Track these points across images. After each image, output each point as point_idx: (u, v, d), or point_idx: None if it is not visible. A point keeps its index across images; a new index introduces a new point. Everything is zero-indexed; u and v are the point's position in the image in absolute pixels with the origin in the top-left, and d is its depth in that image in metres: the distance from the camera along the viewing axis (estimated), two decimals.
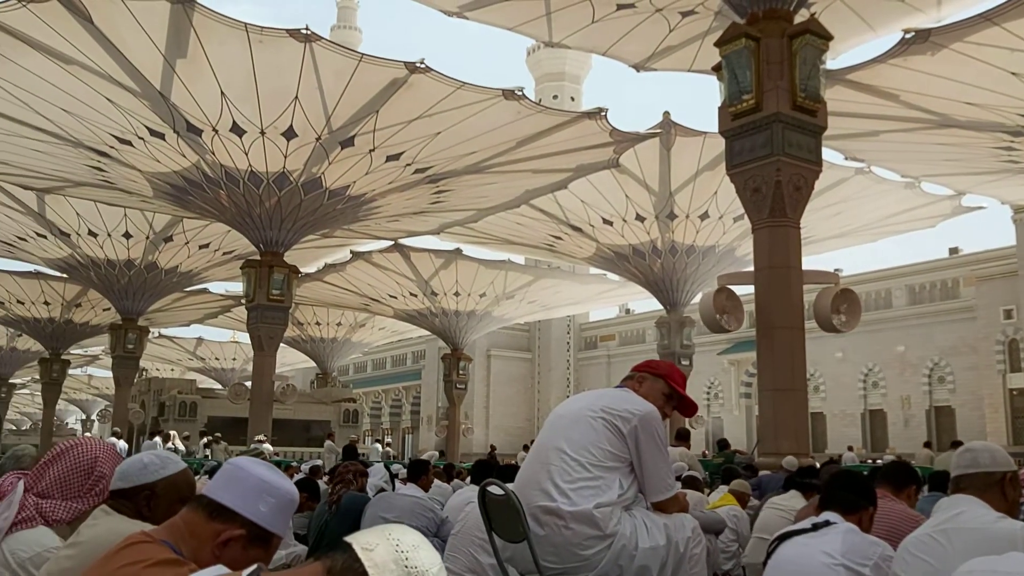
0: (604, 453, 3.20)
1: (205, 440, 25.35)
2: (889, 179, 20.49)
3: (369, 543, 1.31)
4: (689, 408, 3.58)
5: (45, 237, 24.84)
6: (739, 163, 10.77)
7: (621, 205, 22.16)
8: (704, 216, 22.25)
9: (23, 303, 32.48)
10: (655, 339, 26.24)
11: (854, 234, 24.83)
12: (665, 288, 24.63)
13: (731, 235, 22.88)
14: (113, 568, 1.74)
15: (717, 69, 11.17)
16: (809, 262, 12.96)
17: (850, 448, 29.27)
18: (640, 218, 22.57)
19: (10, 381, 44.48)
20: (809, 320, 11.13)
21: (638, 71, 16.78)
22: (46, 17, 13.36)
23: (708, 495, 8.05)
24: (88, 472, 2.67)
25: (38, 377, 39.00)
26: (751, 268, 11.22)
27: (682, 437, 12.85)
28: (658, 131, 18.85)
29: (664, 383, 3.53)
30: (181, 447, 23.33)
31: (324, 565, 1.31)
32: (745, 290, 12.57)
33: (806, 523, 3.13)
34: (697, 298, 24.70)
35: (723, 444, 15.75)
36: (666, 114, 18.99)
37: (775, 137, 10.30)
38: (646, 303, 38.60)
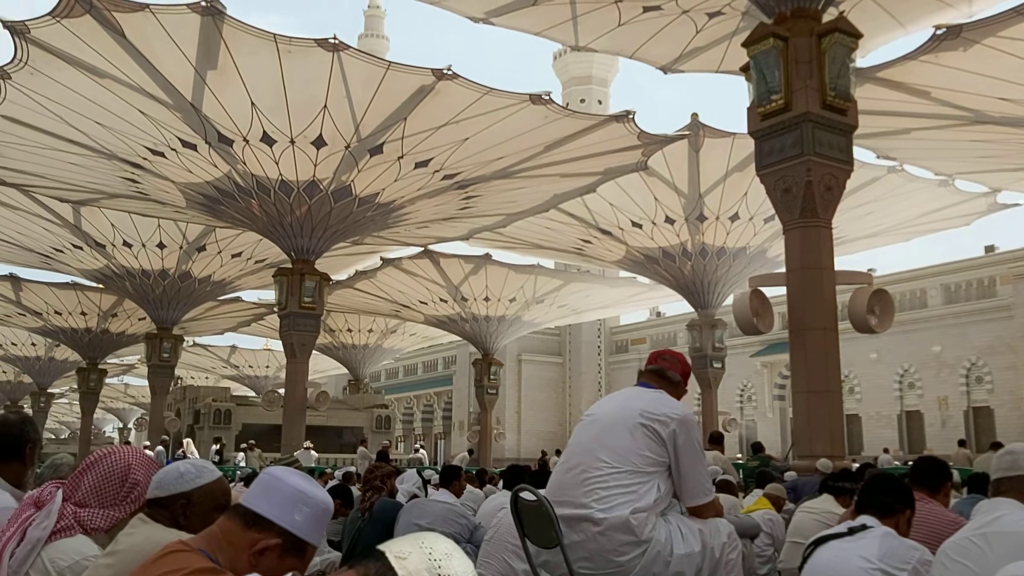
0: (643, 459, 3.18)
1: (243, 447, 25.64)
2: (922, 177, 20.22)
3: (402, 551, 1.32)
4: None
5: (81, 248, 25.24)
6: (769, 164, 10.68)
7: (650, 208, 22.08)
8: (734, 217, 22.10)
9: (61, 314, 33.01)
10: (686, 342, 26.07)
11: (887, 233, 24.52)
12: (696, 290, 24.48)
13: (762, 236, 22.70)
14: None
15: (745, 70, 11.10)
16: (841, 262, 12.83)
17: (886, 450, 28.90)
18: (669, 220, 22.47)
19: (49, 391, 45.18)
20: (842, 321, 11.01)
21: (665, 73, 16.72)
22: (79, 32, 13.61)
23: (742, 499, 7.98)
24: (123, 480, 2.71)
25: (76, 387, 39.59)
26: (783, 269, 11.12)
27: (715, 441, 12.76)
28: (686, 133, 18.76)
29: (683, 384, 3.61)
30: (194, 453, 23.59)
31: (358, 573, 1.32)
32: (777, 291, 12.47)
33: (842, 527, 3.09)
34: (729, 300, 24.57)
35: (757, 447, 15.60)
36: (694, 115, 18.89)
37: (805, 137, 10.21)
38: (677, 306, 38.40)
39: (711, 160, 19.87)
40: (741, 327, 12.52)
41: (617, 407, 3.34)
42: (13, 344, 40.47)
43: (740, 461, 17.09)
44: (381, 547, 1.34)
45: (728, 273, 23.75)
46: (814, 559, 3.04)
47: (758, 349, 43.84)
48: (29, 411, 43.29)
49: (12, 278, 29.95)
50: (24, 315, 33.36)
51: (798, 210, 10.34)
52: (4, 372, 48.28)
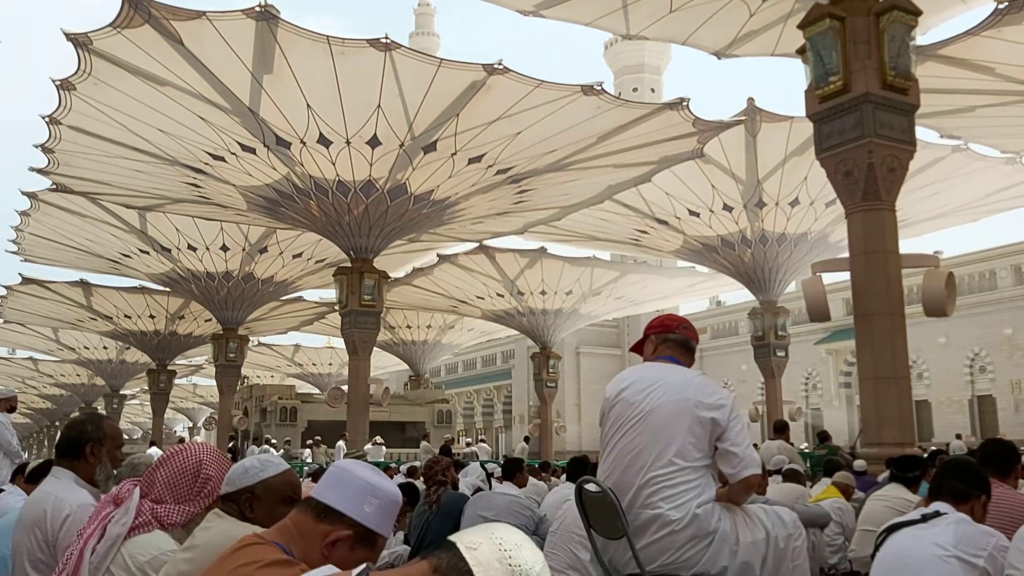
0: (702, 452, 3.15)
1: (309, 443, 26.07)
2: (988, 155, 19.64)
3: (473, 542, 1.34)
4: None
5: (148, 253, 25.89)
6: (829, 147, 10.48)
7: (707, 196, 21.82)
8: (794, 203, 21.73)
9: (130, 317, 33.92)
10: (748, 330, 25.76)
11: (953, 214, 23.87)
12: (756, 278, 24.14)
13: (823, 221, 22.28)
14: (228, 569, 1.81)
15: (802, 52, 10.90)
16: (906, 245, 12.52)
17: (958, 436, 28.15)
18: (727, 208, 22.19)
19: (121, 392, 46.41)
20: (909, 305, 10.76)
21: (719, 58, 16.47)
22: (139, 42, 13.95)
23: (810, 488, 7.87)
24: (195, 475, 2.78)
25: (147, 388, 40.60)
26: (846, 254, 10.91)
27: (780, 430, 12.58)
28: (743, 118, 18.49)
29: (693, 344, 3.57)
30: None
31: (430, 563, 1.34)
32: (840, 277, 12.23)
33: (915, 514, 3.03)
34: (791, 287, 24.23)
35: (823, 436, 15.32)
36: (750, 100, 18.61)
37: (865, 118, 9.98)
38: (737, 294, 37.87)
39: (769, 145, 19.56)
40: (816, 314, 12.25)
41: (669, 397, 3.21)
42: (86, 348, 41.67)
43: (806, 450, 16.84)
44: (452, 538, 1.36)
45: (789, 260, 23.37)
46: (886, 547, 2.99)
47: (822, 336, 43.08)
48: (102, 412, 44.58)
49: (83, 284, 30.81)
50: (95, 319, 34.34)
51: (860, 193, 10.13)
52: (78, 375, 49.76)
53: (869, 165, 9.97)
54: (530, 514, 5.74)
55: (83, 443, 3.43)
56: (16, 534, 3.33)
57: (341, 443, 22.10)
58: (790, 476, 7.40)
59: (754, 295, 24.98)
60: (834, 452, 12.81)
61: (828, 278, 12.55)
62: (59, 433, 3.63)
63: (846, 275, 10.87)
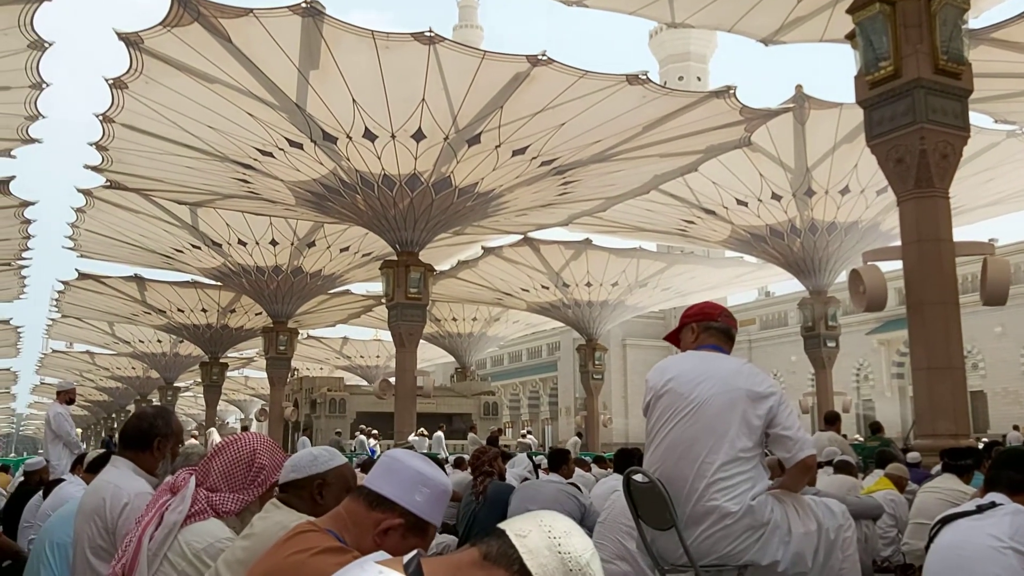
0: (753, 442, 3.13)
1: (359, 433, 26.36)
2: None
3: (522, 530, 1.35)
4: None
5: (199, 248, 26.35)
6: (880, 133, 10.28)
7: (755, 184, 21.56)
8: (845, 191, 21.38)
9: (183, 311, 34.55)
10: (798, 321, 25.42)
11: (1009, 201, 23.28)
12: (806, 268, 23.82)
13: (874, 209, 21.88)
14: (283, 556, 1.86)
15: (851, 37, 10.70)
16: (960, 233, 12.22)
17: (1016, 427, 27.51)
18: (776, 197, 21.90)
19: (175, 385, 47.31)
20: (964, 294, 10.53)
21: (767, 45, 16.23)
22: (189, 40, 14.17)
23: (862, 480, 7.77)
24: (249, 464, 2.83)
25: (200, 380, 41.33)
26: (898, 243, 10.70)
27: (831, 421, 12.41)
28: (791, 105, 18.22)
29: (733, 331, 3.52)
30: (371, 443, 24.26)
31: (479, 551, 1.36)
32: (892, 266, 12.01)
33: (970, 505, 2.98)
34: (841, 277, 23.80)
35: (876, 427, 15.04)
36: (798, 87, 18.33)
37: (917, 104, 9.78)
38: (787, 284, 37.44)
39: (818, 132, 19.26)
40: (875, 304, 12.03)
41: (719, 388, 3.16)
42: (140, 341, 42.52)
43: (858, 442, 16.59)
44: (501, 526, 1.37)
45: (840, 249, 23.01)
46: (941, 538, 2.94)
47: (874, 327, 42.36)
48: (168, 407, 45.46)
49: (137, 279, 31.44)
50: (149, 313, 35.04)
51: (912, 180, 9.93)
52: (133, 368, 50.79)
53: (921, 152, 9.77)
54: (576, 502, 5.74)
55: (152, 437, 3.50)
56: (77, 522, 3.43)
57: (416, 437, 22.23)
58: (841, 468, 7.31)
59: (804, 285, 24.66)
60: (887, 444, 12.60)
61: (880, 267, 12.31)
62: (126, 423, 3.70)
63: (898, 264, 10.68)
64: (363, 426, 26.13)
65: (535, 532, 1.34)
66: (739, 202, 22.38)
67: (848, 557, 3.24)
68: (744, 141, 18.35)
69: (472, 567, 1.35)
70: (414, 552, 1.40)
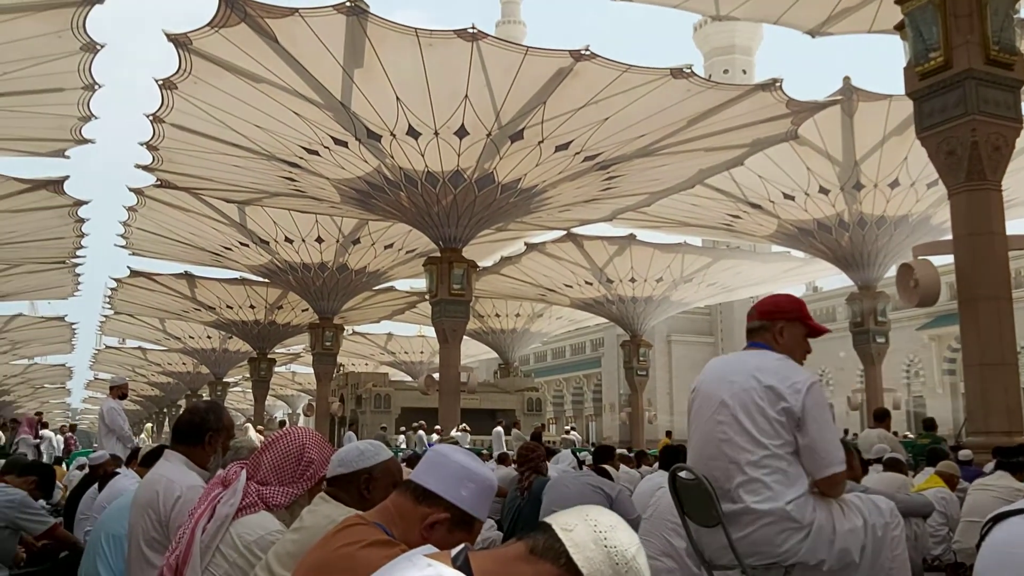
0: (784, 441, 3.06)
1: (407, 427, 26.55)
2: None
3: (568, 524, 1.35)
4: (822, 331, 3.37)
5: (247, 246, 26.73)
6: (930, 125, 10.09)
7: (802, 178, 21.28)
8: (894, 184, 21.01)
9: (231, 308, 35.08)
10: (846, 316, 25.03)
11: None
12: (855, 263, 23.45)
13: (925, 203, 21.48)
14: (332, 548, 1.89)
15: (900, 28, 10.51)
16: (1013, 226, 11.93)
17: None
18: (824, 190, 21.60)
19: (224, 380, 48.07)
20: (1017, 288, 10.30)
21: (813, 37, 16.02)
22: (236, 40, 14.39)
23: (912, 478, 7.64)
24: (298, 458, 2.88)
25: (248, 375, 41.92)
26: (949, 237, 10.50)
27: (880, 418, 12.21)
28: (839, 98, 17.96)
29: (800, 324, 3.29)
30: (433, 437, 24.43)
31: (526, 545, 1.37)
32: (943, 260, 11.77)
33: (1022, 503, 2.92)
34: (891, 271, 23.38)
35: (929, 424, 14.74)
36: (846, 79, 18.05)
37: (968, 95, 9.58)
38: (835, 279, 36.86)
39: (866, 125, 18.96)
40: (929, 299, 11.80)
41: (745, 384, 3.10)
42: (191, 337, 43.26)
43: (908, 439, 16.30)
44: (547, 520, 1.38)
45: (889, 243, 22.62)
46: (992, 536, 2.88)
47: (925, 322, 41.55)
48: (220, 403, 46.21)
49: (187, 276, 31.98)
50: (199, 310, 35.64)
51: (964, 173, 9.73)
52: (184, 363, 51.70)
53: (973, 144, 9.58)
54: (602, 495, 5.68)
55: (204, 431, 3.57)
56: (131, 515, 3.51)
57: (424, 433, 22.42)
58: (891, 465, 7.20)
59: (852, 280, 24.30)
60: (937, 441, 12.38)
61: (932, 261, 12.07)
62: (178, 418, 3.78)
63: (949, 258, 10.48)
64: (421, 421, 26.31)
65: (581, 526, 1.35)
66: (786, 196, 22.11)
67: (897, 556, 3.18)
68: (791, 134, 18.12)
69: (519, 561, 1.36)
70: (462, 546, 1.42)
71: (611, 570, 1.32)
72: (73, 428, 22.63)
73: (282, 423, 39.21)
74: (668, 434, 32.94)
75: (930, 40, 9.90)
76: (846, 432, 23.59)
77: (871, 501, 3.24)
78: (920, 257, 11.80)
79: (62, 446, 20.96)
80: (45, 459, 17.84)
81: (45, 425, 23.59)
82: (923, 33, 9.96)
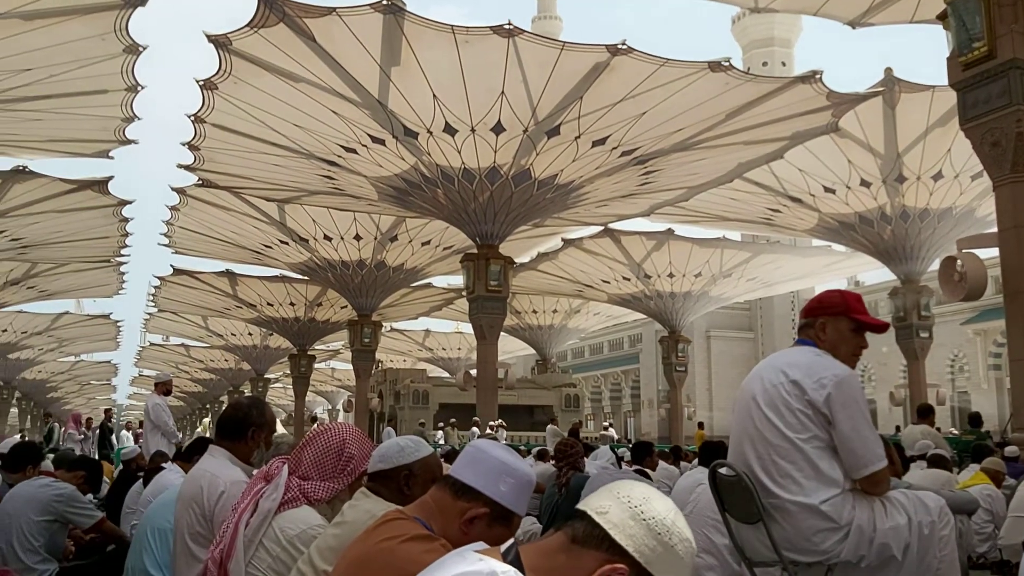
0: (813, 437, 3.02)
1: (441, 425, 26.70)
2: None
3: (601, 507, 1.36)
4: (879, 327, 3.29)
5: (287, 244, 27.00)
6: (974, 116, 9.90)
7: (843, 171, 20.99)
8: (937, 176, 20.64)
9: (272, 305, 35.46)
10: (889, 311, 24.65)
11: None
12: (898, 257, 23.08)
13: (969, 195, 21.08)
14: (373, 543, 1.91)
15: (943, 17, 10.33)
16: None
17: None
18: (865, 183, 21.28)
19: (265, 376, 48.61)
20: None
21: (854, 28, 15.78)
22: (275, 40, 14.52)
23: (957, 474, 7.53)
24: (339, 454, 2.92)
25: (289, 372, 42.33)
26: (994, 229, 10.30)
27: (924, 414, 12.05)
28: (880, 89, 17.68)
29: (846, 319, 3.22)
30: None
31: (566, 534, 1.37)
32: (988, 253, 11.55)
33: None
34: (935, 265, 23.00)
35: (974, 420, 14.45)
36: (888, 70, 17.76)
37: (1013, 85, 9.39)
38: (877, 274, 36.34)
39: (909, 116, 18.66)
40: (976, 292, 11.59)
41: (774, 380, 3.09)
42: (233, 334, 43.80)
43: (953, 435, 16.03)
44: (580, 506, 1.39)
45: (933, 236, 22.24)
46: None
47: (969, 316, 40.86)
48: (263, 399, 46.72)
49: (229, 274, 32.37)
50: (240, 307, 36.07)
51: (1009, 164, 9.54)
52: (226, 360, 52.35)
53: (1018, 134, 9.39)
54: None
55: (247, 426, 3.64)
56: (176, 509, 3.59)
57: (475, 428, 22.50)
58: (935, 462, 7.10)
59: (895, 274, 23.92)
60: (982, 437, 12.16)
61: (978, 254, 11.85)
62: (222, 414, 3.85)
63: (994, 251, 10.29)
64: (452, 419, 26.44)
65: (614, 506, 1.35)
66: (826, 189, 21.83)
67: (946, 556, 3.11)
68: (831, 127, 17.88)
69: (561, 552, 1.37)
70: (511, 541, 1.43)
71: (655, 541, 1.33)
72: (108, 416, 23.08)
73: (314, 419, 39.60)
74: (700, 425, 32.80)
75: (973, 30, 9.72)
76: (898, 429, 23.23)
77: (918, 498, 3.18)
78: (965, 250, 11.60)
79: (131, 442, 21.29)
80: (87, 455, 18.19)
81: (88, 424, 24.05)
82: (966, 22, 9.79)
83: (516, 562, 1.35)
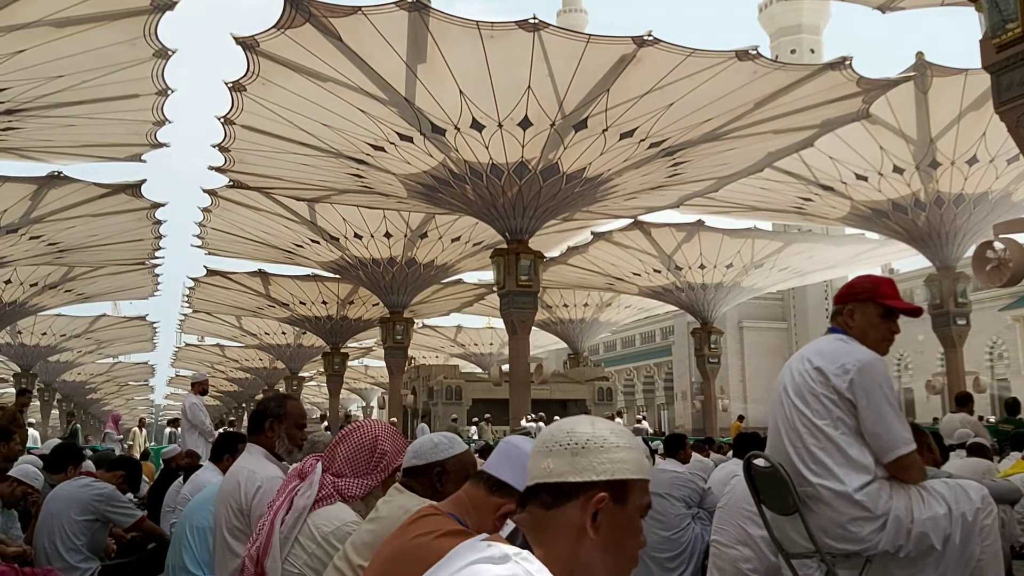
0: (842, 424, 3.00)
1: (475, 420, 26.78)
2: None
3: (544, 468, 1.44)
4: (909, 311, 3.24)
5: (318, 243, 27.19)
6: (1009, 99, 9.69)
7: (875, 158, 20.72)
8: (972, 161, 20.31)
9: (304, 304, 35.74)
10: (924, 298, 24.31)
11: None
12: (933, 243, 22.75)
13: (1005, 179, 20.72)
14: (407, 539, 1.92)
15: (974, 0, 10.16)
16: None
17: None
18: (898, 170, 20.99)
19: (299, 375, 49.02)
20: None
21: (883, 12, 15.56)
22: (302, 40, 14.62)
23: (998, 463, 7.41)
24: (372, 450, 2.94)
25: (322, 370, 42.64)
26: None
27: (962, 402, 11.87)
28: (911, 74, 17.41)
29: (873, 304, 3.18)
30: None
31: (538, 511, 1.44)
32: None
33: None
34: (971, 251, 22.66)
35: (1012, 407, 14.15)
36: (919, 55, 17.50)
37: None
38: (911, 261, 35.86)
39: (942, 101, 18.36)
40: (1017, 277, 11.38)
41: (802, 369, 3.10)
42: (266, 333, 44.20)
43: (992, 423, 15.77)
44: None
45: (968, 222, 21.88)
46: None
47: (1009, 303, 40.19)
48: (287, 393, 47.12)
49: (261, 273, 32.68)
50: (273, 306, 36.40)
51: None
52: (260, 359, 52.86)
53: None
54: (694, 487, 5.68)
55: (264, 418, 3.71)
56: (216, 505, 3.65)
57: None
58: (975, 450, 6.99)
59: (930, 261, 23.58)
60: (1022, 425, 11.94)
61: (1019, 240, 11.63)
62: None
63: None
64: (487, 415, 26.48)
65: (551, 459, 1.43)
66: (858, 177, 21.57)
67: (988, 547, 3.05)
68: (862, 113, 17.64)
69: (548, 524, 1.42)
70: (513, 526, 1.45)
71: (604, 456, 1.40)
72: (142, 423, 23.45)
73: (348, 416, 39.85)
74: (740, 418, 32.59)
75: (1007, 10, 9.52)
76: (935, 420, 22.92)
77: (959, 487, 3.13)
78: (1004, 235, 11.39)
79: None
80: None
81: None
82: (999, 3, 9.58)
83: (525, 545, 1.37)
